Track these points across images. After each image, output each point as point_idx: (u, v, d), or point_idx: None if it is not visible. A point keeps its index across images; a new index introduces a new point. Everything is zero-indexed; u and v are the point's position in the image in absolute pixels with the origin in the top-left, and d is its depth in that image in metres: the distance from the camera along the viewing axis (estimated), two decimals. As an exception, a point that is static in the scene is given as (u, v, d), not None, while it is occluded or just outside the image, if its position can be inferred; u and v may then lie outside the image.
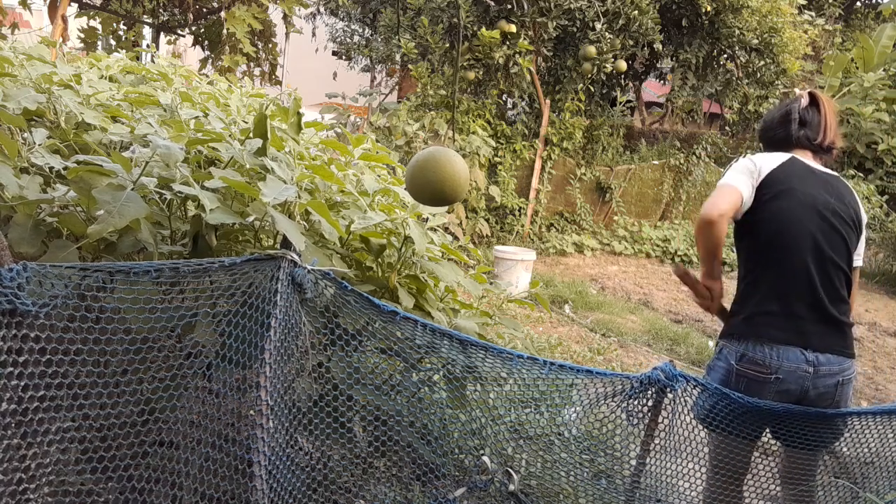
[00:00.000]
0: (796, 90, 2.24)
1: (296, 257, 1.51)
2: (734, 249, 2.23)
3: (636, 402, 1.68)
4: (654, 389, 1.67)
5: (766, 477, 2.11)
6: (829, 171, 2.17)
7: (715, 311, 2.18)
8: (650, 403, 1.69)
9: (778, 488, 2.14)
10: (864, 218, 2.16)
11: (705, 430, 1.98)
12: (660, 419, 1.71)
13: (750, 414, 1.93)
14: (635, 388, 1.67)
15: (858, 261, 2.12)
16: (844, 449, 2.15)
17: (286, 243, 1.53)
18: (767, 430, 2.04)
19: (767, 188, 2.05)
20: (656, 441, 1.75)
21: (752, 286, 2.07)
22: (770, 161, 2.10)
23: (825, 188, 2.07)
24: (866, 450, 2.09)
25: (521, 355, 1.64)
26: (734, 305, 2.13)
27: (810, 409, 1.96)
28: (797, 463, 2.05)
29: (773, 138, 2.24)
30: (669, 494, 1.86)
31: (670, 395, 1.69)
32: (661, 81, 12.54)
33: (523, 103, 9.21)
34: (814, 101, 2.20)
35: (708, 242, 2.06)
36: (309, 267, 1.55)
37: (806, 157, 2.16)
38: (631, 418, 1.70)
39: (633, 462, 1.77)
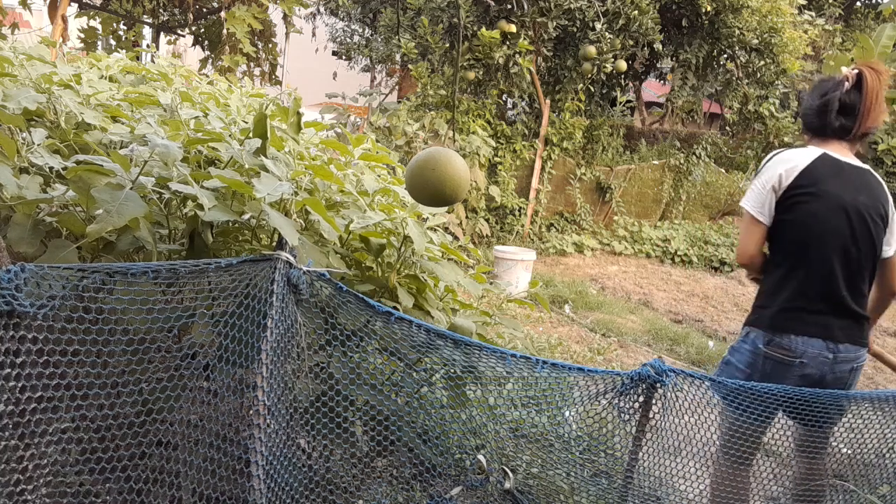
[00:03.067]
0: (843, 69, 2.19)
1: (290, 258, 1.51)
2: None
3: (627, 399, 1.69)
4: (644, 385, 1.67)
5: (768, 477, 2.12)
6: (859, 164, 2.20)
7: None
8: (641, 399, 1.69)
9: (778, 488, 2.14)
10: (893, 210, 2.21)
11: (724, 407, 2.05)
12: (651, 415, 1.71)
13: (769, 394, 2.02)
14: (625, 385, 1.67)
15: (889, 251, 2.19)
16: (843, 448, 2.15)
17: (282, 243, 1.53)
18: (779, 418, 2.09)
19: (794, 192, 2.13)
20: (649, 436, 1.75)
21: (780, 282, 2.19)
22: (798, 161, 2.16)
23: (853, 185, 2.13)
24: (864, 442, 2.10)
25: (515, 354, 1.64)
26: (763, 299, 2.24)
27: (820, 391, 2.02)
28: (810, 439, 2.14)
29: (810, 126, 2.27)
30: (664, 490, 1.86)
31: (661, 391, 1.70)
32: (661, 81, 12.55)
33: (523, 103, 9.21)
34: (859, 81, 2.15)
35: (751, 271, 2.35)
36: (304, 268, 1.55)
37: (838, 150, 2.19)
38: (622, 415, 1.71)
39: (626, 458, 1.78)
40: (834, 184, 2.11)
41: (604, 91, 10.00)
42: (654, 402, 1.71)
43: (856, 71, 2.17)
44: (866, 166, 2.23)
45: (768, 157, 2.29)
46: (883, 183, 2.23)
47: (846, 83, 2.16)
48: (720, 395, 2.04)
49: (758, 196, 2.19)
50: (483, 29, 7.80)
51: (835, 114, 2.17)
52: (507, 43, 7.95)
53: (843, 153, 2.19)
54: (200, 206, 1.51)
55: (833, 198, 2.10)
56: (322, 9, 13.91)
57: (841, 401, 2.08)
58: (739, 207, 2.23)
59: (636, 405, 1.70)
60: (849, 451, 2.14)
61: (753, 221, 2.19)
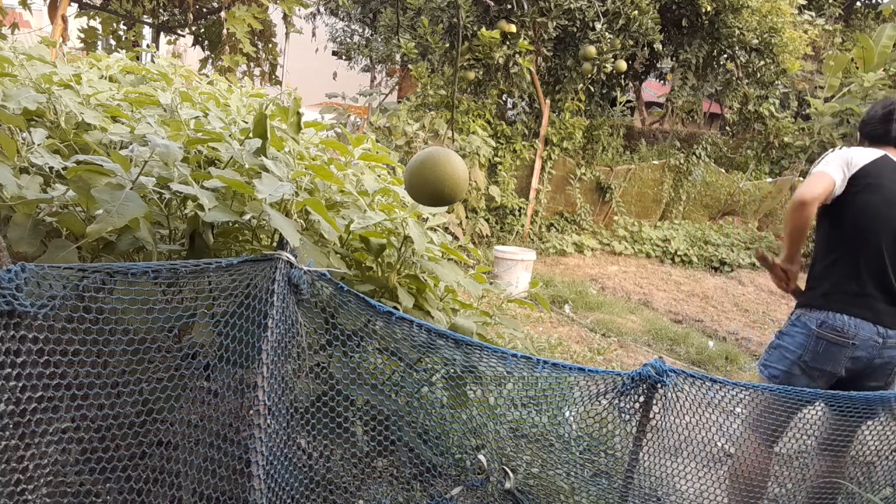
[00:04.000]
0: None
1: (291, 258, 1.51)
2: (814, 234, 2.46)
3: (627, 399, 1.69)
4: (644, 386, 1.67)
5: (769, 479, 2.11)
6: None
7: (790, 290, 2.45)
8: (641, 399, 1.69)
9: (778, 489, 2.14)
10: None
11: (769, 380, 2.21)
12: (651, 415, 1.71)
13: (820, 373, 2.22)
14: (626, 385, 1.67)
15: None
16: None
17: (283, 243, 1.53)
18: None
19: (858, 180, 2.26)
20: (649, 437, 1.75)
21: (832, 266, 2.32)
22: (864, 156, 2.29)
23: None
24: (865, 443, 2.10)
25: (515, 354, 1.63)
26: (812, 281, 2.37)
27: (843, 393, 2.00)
28: (838, 431, 2.12)
29: (872, 133, 2.42)
30: (664, 490, 1.86)
31: (661, 391, 1.70)
32: (661, 81, 12.55)
33: (523, 103, 9.21)
34: None
35: (798, 223, 2.29)
36: (305, 268, 1.54)
37: None
38: (623, 415, 1.71)
39: (627, 458, 1.78)
40: (893, 180, 2.26)
41: (604, 91, 10.00)
42: (654, 402, 1.70)
43: None
44: None
45: (831, 151, 2.42)
46: None
47: None
48: (768, 376, 2.30)
49: (832, 166, 2.29)
50: (483, 29, 7.80)
51: (889, 122, 2.34)
52: (507, 43, 7.95)
53: None
54: (201, 207, 1.51)
55: (891, 192, 2.25)
56: (322, 9, 13.91)
57: (884, 388, 2.19)
58: (806, 174, 2.39)
59: (636, 405, 1.70)
60: (851, 452, 2.14)
61: (824, 175, 2.27)
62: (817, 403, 2.03)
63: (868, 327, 2.21)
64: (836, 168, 2.28)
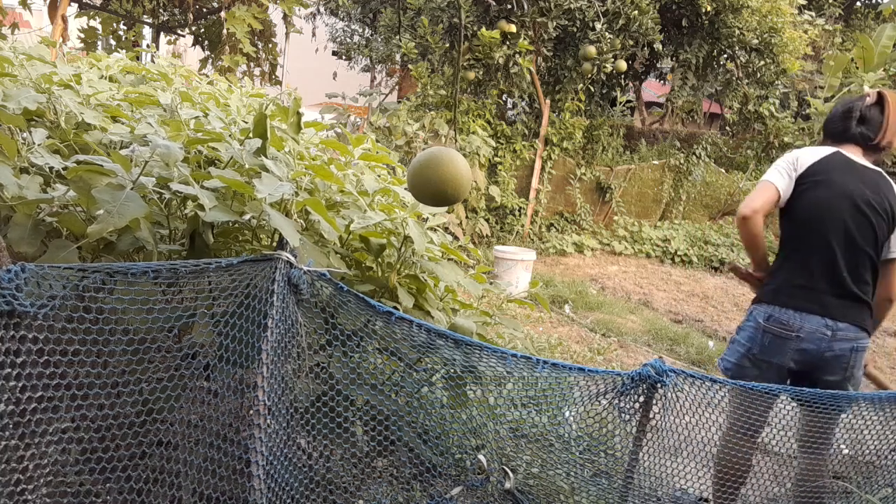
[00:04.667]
0: (866, 87, 2.55)
1: (291, 258, 1.51)
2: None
3: (627, 399, 1.69)
4: (644, 386, 1.67)
5: (769, 478, 2.12)
6: (873, 166, 2.39)
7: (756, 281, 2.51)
8: (641, 399, 1.69)
9: (779, 489, 2.14)
10: None
11: (729, 382, 2.10)
12: (651, 415, 1.71)
13: (768, 366, 2.28)
14: (626, 385, 1.67)
15: (893, 253, 2.32)
16: (845, 449, 2.15)
17: (283, 243, 1.53)
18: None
19: (806, 178, 2.32)
20: (649, 436, 1.75)
21: (784, 261, 2.39)
22: (812, 155, 2.36)
23: (863, 180, 2.31)
24: (864, 443, 2.10)
25: (515, 354, 1.63)
26: (768, 277, 2.43)
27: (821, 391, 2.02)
28: (813, 428, 2.12)
29: (832, 130, 2.47)
30: (664, 490, 1.86)
31: (661, 391, 1.70)
32: (661, 81, 12.55)
33: (523, 103, 9.21)
34: (880, 101, 2.39)
35: (747, 235, 2.37)
36: (305, 268, 1.54)
37: (853, 153, 2.39)
38: (622, 415, 1.71)
39: (627, 458, 1.78)
40: (842, 175, 2.30)
41: (604, 91, 10.00)
42: (654, 402, 1.70)
43: (875, 91, 2.42)
44: (879, 169, 2.39)
45: (787, 154, 2.48)
46: (894, 186, 2.37)
47: (868, 98, 2.40)
48: (724, 370, 2.39)
49: (778, 174, 2.37)
50: (483, 29, 7.80)
51: (856, 121, 2.39)
52: (507, 43, 7.95)
53: (857, 155, 2.38)
54: (201, 207, 1.51)
55: (839, 186, 2.28)
56: (322, 9, 13.91)
57: (843, 384, 2.22)
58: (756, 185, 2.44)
59: (636, 405, 1.70)
60: (850, 452, 2.14)
61: (767, 184, 2.35)
62: (785, 399, 2.03)
63: (815, 320, 2.23)
64: (779, 175, 2.35)
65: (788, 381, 2.38)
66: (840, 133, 2.43)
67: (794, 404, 2.05)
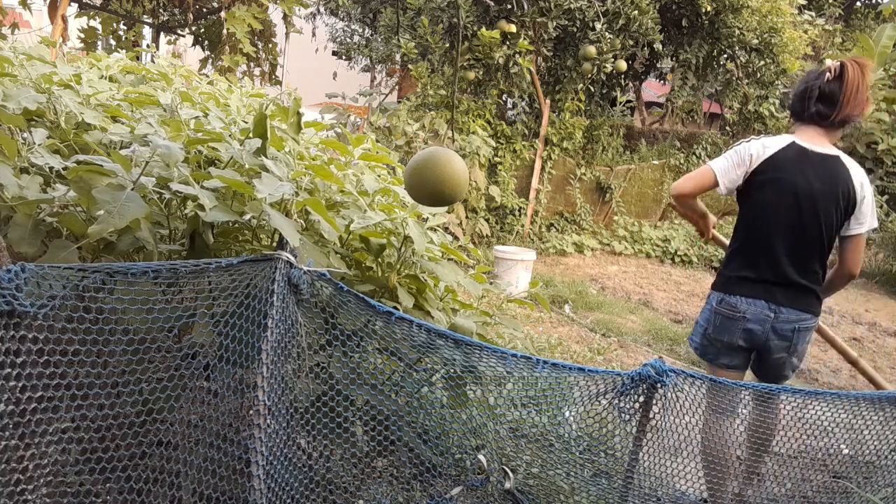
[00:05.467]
0: (827, 61, 2.42)
1: (291, 258, 1.51)
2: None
3: (627, 399, 1.68)
4: (644, 386, 1.67)
5: (769, 478, 2.12)
6: (829, 151, 2.44)
7: (710, 238, 2.82)
8: (641, 399, 1.69)
9: (779, 489, 2.14)
10: (862, 192, 2.43)
11: (702, 364, 2.59)
12: (651, 415, 1.71)
13: (722, 344, 2.56)
14: (626, 385, 1.67)
15: (860, 228, 2.46)
16: (845, 449, 2.15)
17: (283, 243, 1.53)
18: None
19: (757, 176, 2.45)
20: (649, 437, 1.75)
21: (735, 253, 2.58)
22: (766, 149, 2.45)
23: (813, 172, 2.41)
24: (865, 443, 2.10)
25: (515, 354, 1.63)
26: (722, 267, 2.64)
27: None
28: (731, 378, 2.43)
29: (792, 109, 2.55)
30: (664, 490, 1.86)
31: (661, 391, 1.70)
32: (661, 81, 12.54)
33: (523, 103, 9.21)
34: (840, 74, 2.37)
35: (680, 210, 2.71)
36: (305, 268, 1.54)
37: (812, 136, 2.45)
38: (622, 415, 1.71)
39: (627, 458, 1.77)
40: (792, 172, 2.41)
41: (604, 91, 10.00)
42: (654, 402, 1.70)
43: (838, 63, 2.38)
44: (837, 153, 2.45)
45: (747, 139, 2.56)
46: (852, 169, 2.44)
47: (828, 74, 2.39)
48: (694, 350, 2.69)
49: (725, 164, 2.50)
50: (483, 29, 7.80)
51: (814, 101, 2.42)
52: (507, 43, 7.95)
53: (815, 140, 2.45)
54: (201, 207, 1.51)
55: (787, 185, 2.41)
56: (322, 9, 13.92)
57: (788, 358, 2.52)
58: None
59: (636, 405, 1.70)
60: (850, 452, 2.14)
61: (709, 175, 2.50)
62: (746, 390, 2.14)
63: (760, 304, 2.46)
64: (725, 164, 2.49)
65: (752, 357, 2.61)
66: (799, 113, 2.49)
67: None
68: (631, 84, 11.55)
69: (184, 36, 10.19)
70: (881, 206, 9.22)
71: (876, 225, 2.49)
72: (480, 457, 1.82)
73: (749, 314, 2.47)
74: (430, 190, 1.60)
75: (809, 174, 2.40)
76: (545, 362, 1.64)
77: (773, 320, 2.45)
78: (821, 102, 2.41)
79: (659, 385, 1.68)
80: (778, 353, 2.50)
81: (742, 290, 2.49)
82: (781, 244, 2.43)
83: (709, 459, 2.24)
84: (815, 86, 2.41)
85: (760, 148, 2.45)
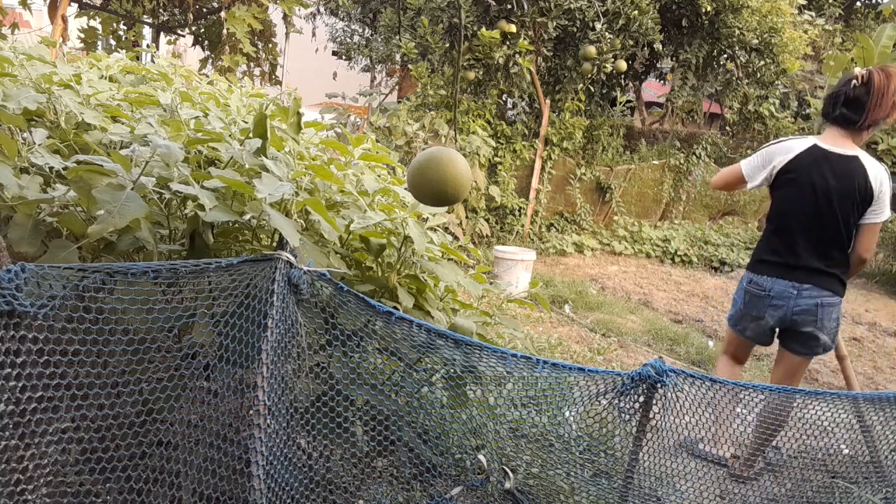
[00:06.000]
0: (856, 69, 2.67)
1: (291, 258, 1.50)
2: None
3: (627, 399, 1.68)
4: (644, 386, 1.67)
5: (769, 478, 2.11)
6: (847, 152, 2.73)
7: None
8: (641, 399, 1.69)
9: (779, 489, 2.14)
10: (879, 187, 2.71)
11: (732, 332, 3.10)
12: (651, 415, 1.71)
13: (751, 318, 2.98)
14: (626, 385, 1.67)
15: (875, 218, 2.75)
16: (845, 449, 2.15)
17: (283, 243, 1.53)
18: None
19: (781, 176, 2.83)
20: (649, 437, 1.75)
21: (764, 240, 2.98)
22: (791, 151, 2.79)
23: (831, 171, 2.72)
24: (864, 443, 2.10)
25: (515, 354, 1.63)
26: (754, 252, 3.03)
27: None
28: (784, 362, 2.99)
29: (823, 111, 2.83)
30: (664, 490, 1.86)
31: (661, 391, 1.69)
32: (661, 81, 12.55)
33: (523, 103, 9.21)
34: (868, 81, 2.62)
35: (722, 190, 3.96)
36: (305, 268, 1.54)
37: (834, 138, 2.76)
38: (622, 415, 1.71)
39: (627, 458, 1.77)
40: (811, 171, 2.74)
41: (604, 91, 10.00)
42: (654, 402, 1.70)
43: (866, 71, 2.62)
44: (856, 153, 2.73)
45: (776, 140, 2.92)
46: (869, 167, 2.71)
47: (854, 81, 2.63)
48: (729, 323, 3.14)
49: (755, 164, 2.92)
50: (483, 29, 7.80)
51: (839, 105, 2.69)
52: (507, 43, 7.95)
53: (837, 141, 2.75)
54: (201, 207, 1.51)
55: (806, 183, 2.75)
56: (322, 9, 13.91)
57: (810, 335, 2.84)
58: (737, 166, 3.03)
59: (636, 405, 1.70)
60: (850, 452, 2.14)
61: (739, 174, 2.96)
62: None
63: (783, 283, 2.83)
64: (751, 166, 2.92)
65: (776, 335, 3.01)
66: (827, 115, 2.77)
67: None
68: (631, 84, 11.55)
69: (184, 36, 10.18)
70: (881, 207, 9.20)
71: (888, 216, 2.75)
72: (480, 457, 1.81)
73: (774, 292, 2.84)
74: (433, 190, 1.60)
75: (827, 173, 2.71)
76: (545, 362, 1.64)
77: (795, 297, 2.80)
78: (846, 107, 2.65)
79: (659, 385, 1.68)
80: (806, 327, 2.82)
81: (768, 272, 2.87)
82: (801, 233, 2.79)
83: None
84: (843, 91, 2.65)
85: (784, 150, 2.79)
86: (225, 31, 7.89)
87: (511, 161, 8.66)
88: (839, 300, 2.83)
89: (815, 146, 2.74)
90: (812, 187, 2.73)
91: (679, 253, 8.87)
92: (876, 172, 2.71)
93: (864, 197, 2.69)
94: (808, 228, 2.78)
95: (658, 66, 11.37)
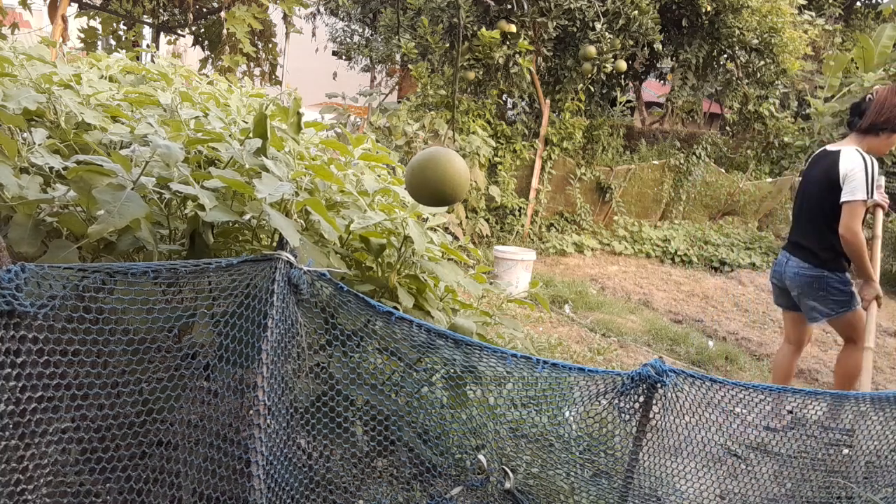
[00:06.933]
0: (876, 87, 3.50)
1: (291, 258, 1.50)
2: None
3: (627, 399, 1.68)
4: (644, 386, 1.67)
5: (769, 478, 2.11)
6: (837, 147, 3.34)
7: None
8: (641, 399, 1.69)
9: (779, 489, 2.14)
10: (846, 172, 3.20)
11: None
12: (651, 415, 1.71)
13: (773, 285, 3.75)
14: (626, 385, 1.67)
15: (846, 196, 3.18)
16: (845, 449, 2.15)
17: (283, 243, 1.53)
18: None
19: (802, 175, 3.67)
20: (649, 437, 1.75)
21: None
22: (813, 154, 3.59)
23: (819, 166, 3.40)
24: (864, 443, 2.10)
25: (515, 354, 1.63)
26: None
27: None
28: (792, 320, 3.74)
29: (848, 121, 3.44)
30: (664, 490, 1.86)
31: (661, 391, 1.69)
32: (661, 81, 12.55)
33: (523, 103, 9.21)
34: (879, 94, 3.28)
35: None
36: (305, 268, 1.54)
37: (842, 141, 3.40)
38: (622, 415, 1.71)
39: (627, 458, 1.77)
40: (811, 167, 3.53)
41: (604, 91, 10.00)
42: (654, 402, 1.70)
43: (879, 87, 3.29)
44: (840, 148, 3.30)
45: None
46: (843, 156, 3.22)
47: (869, 96, 3.31)
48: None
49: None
50: (483, 29, 7.80)
51: (854, 115, 3.34)
52: (507, 43, 7.95)
53: (843, 142, 3.37)
54: (201, 207, 1.51)
55: (805, 178, 3.57)
56: (322, 9, 13.92)
57: (803, 300, 3.48)
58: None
59: (636, 405, 1.70)
60: (850, 452, 2.14)
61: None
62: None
63: (784, 253, 3.59)
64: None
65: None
66: (850, 124, 3.38)
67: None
68: (631, 84, 11.55)
69: (184, 36, 10.18)
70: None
71: (861, 197, 3.13)
72: (480, 457, 1.81)
73: (778, 261, 3.63)
74: (431, 190, 1.60)
75: (814, 167, 3.46)
76: (545, 362, 1.64)
77: (785, 265, 3.53)
78: (856, 115, 3.32)
79: (659, 385, 1.68)
80: (794, 291, 3.50)
81: (783, 247, 3.65)
82: (796, 216, 3.57)
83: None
84: (857, 104, 3.33)
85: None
86: (225, 31, 7.89)
87: (511, 161, 8.65)
88: (822, 272, 3.35)
89: (824, 150, 3.43)
90: (805, 179, 3.54)
91: (679, 253, 8.87)
92: (847, 160, 3.22)
93: (831, 180, 3.23)
94: (798, 213, 3.56)
95: (658, 66, 11.37)
